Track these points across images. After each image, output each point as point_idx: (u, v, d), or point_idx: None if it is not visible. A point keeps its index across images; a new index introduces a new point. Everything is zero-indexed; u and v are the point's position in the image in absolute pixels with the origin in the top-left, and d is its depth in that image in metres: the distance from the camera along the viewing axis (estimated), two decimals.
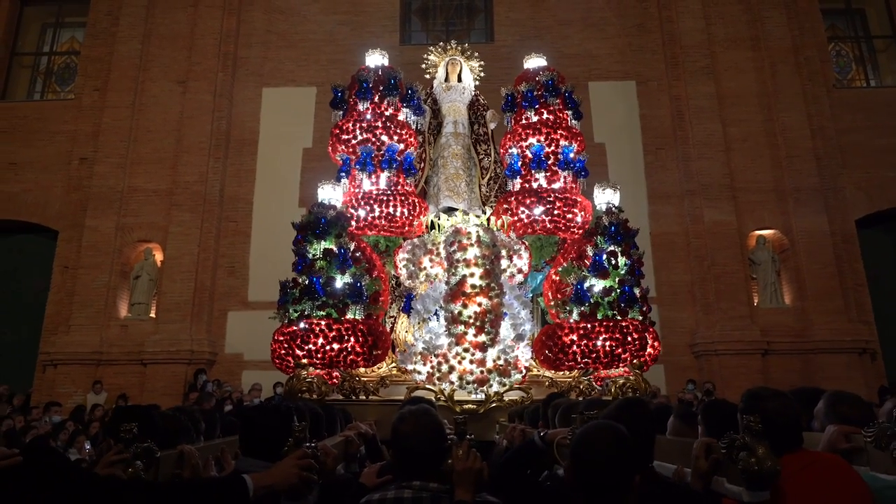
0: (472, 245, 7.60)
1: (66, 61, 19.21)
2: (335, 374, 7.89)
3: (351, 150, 9.11)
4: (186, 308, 16.01)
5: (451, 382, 7.41)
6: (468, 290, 7.43)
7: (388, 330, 8.72)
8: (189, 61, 17.57)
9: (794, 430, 2.83)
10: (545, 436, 3.44)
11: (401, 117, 9.34)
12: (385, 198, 8.71)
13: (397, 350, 8.37)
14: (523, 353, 7.68)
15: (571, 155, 9.10)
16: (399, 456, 2.78)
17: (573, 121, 9.53)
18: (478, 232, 7.73)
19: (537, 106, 9.34)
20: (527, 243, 8.62)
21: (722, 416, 3.27)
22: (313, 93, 17.84)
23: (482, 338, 7.36)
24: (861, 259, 16.21)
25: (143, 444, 2.59)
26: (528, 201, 8.83)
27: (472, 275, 7.47)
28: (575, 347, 7.56)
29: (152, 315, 16.21)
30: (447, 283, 7.67)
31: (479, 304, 7.40)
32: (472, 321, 7.35)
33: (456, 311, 7.40)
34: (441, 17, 19.35)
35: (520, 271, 8.34)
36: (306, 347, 7.40)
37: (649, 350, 7.83)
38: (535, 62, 10.21)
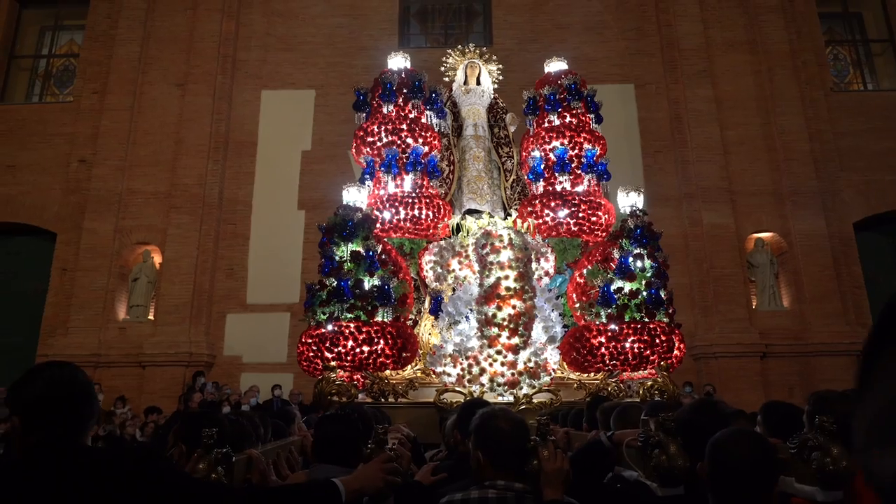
0: (504, 248, 7.61)
1: (64, 64, 19.09)
2: (356, 376, 7.90)
3: (376, 152, 9.13)
4: (185, 310, 15.94)
5: (482, 384, 7.42)
6: (503, 292, 7.44)
7: None
8: (188, 64, 17.50)
9: None
10: (612, 436, 3.47)
11: (424, 120, 9.38)
12: (410, 200, 8.74)
13: (421, 352, 8.37)
14: (552, 356, 7.71)
15: (594, 158, 9.18)
16: (490, 452, 2.76)
17: (594, 124, 9.61)
18: (509, 234, 7.75)
19: (560, 109, 9.41)
20: (552, 246, 8.67)
21: (782, 416, 3.33)
22: (312, 95, 17.88)
23: (515, 340, 7.37)
24: (859, 262, 16.37)
25: (223, 450, 2.61)
26: (552, 204, 8.90)
27: (506, 277, 7.48)
28: (603, 350, 7.61)
29: (151, 317, 16.15)
30: (480, 285, 7.68)
31: (514, 307, 7.41)
32: (506, 323, 7.36)
33: (490, 314, 7.41)
34: (440, 20, 19.40)
35: (546, 273, 8.39)
36: (335, 350, 7.40)
37: (676, 352, 7.90)
38: (556, 65, 10.25)
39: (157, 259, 16.46)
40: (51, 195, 16.84)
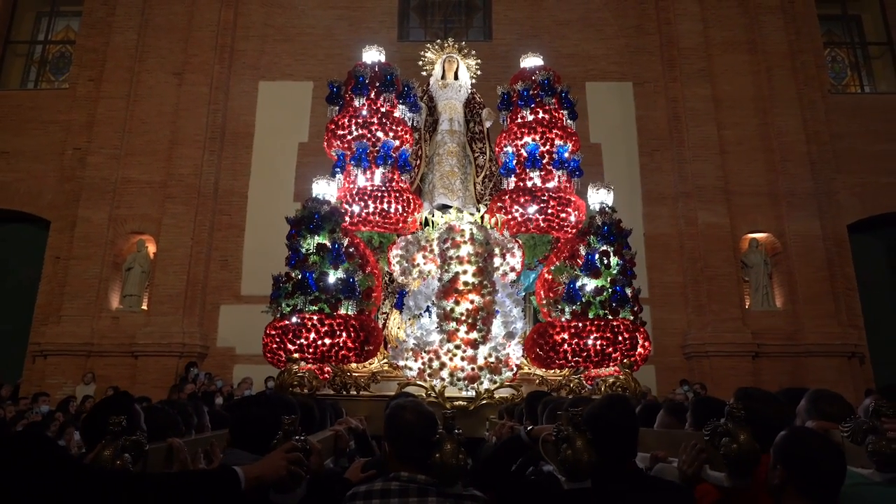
0: (465, 242, 7.62)
1: (60, 50, 19.11)
2: (326, 368, 7.90)
3: (346, 145, 9.11)
4: (179, 301, 15.97)
5: (442, 379, 7.42)
6: (461, 286, 7.45)
7: (381, 326, 8.73)
8: (185, 53, 17.51)
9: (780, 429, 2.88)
10: (531, 431, 3.46)
11: (396, 114, 9.35)
12: (379, 194, 8.71)
13: (389, 346, 8.37)
14: (514, 351, 7.70)
15: (566, 154, 9.14)
16: (396, 444, 2.81)
17: (568, 120, 9.56)
18: (471, 229, 7.75)
19: (533, 105, 9.36)
20: (520, 242, 8.63)
21: (711, 411, 3.34)
22: (310, 87, 17.86)
23: (473, 335, 7.37)
24: (852, 264, 16.34)
25: (132, 437, 2.56)
26: (522, 200, 8.85)
27: (464, 272, 7.49)
28: (566, 346, 7.59)
29: (144, 307, 16.17)
30: (440, 279, 7.69)
31: (472, 302, 7.42)
32: (463, 318, 7.36)
33: (448, 308, 7.41)
34: (439, 14, 19.37)
35: (513, 269, 8.35)
36: (298, 342, 7.41)
37: (640, 350, 7.86)
38: (531, 61, 10.21)
39: (152, 249, 16.50)
40: (45, 183, 16.89)
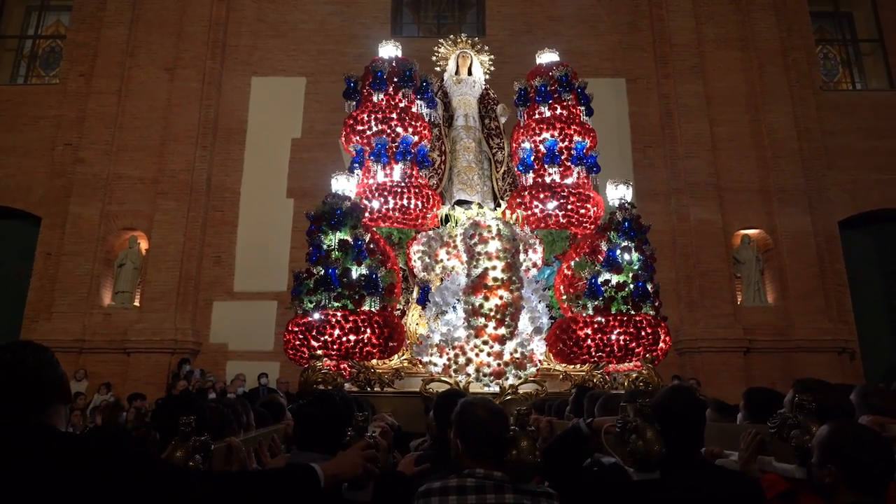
0: (493, 238, 7.62)
1: (50, 45, 18.87)
2: (343, 365, 7.88)
3: (365, 141, 9.08)
4: (171, 297, 15.86)
5: (468, 374, 7.44)
6: (490, 282, 7.46)
7: None
8: (177, 48, 17.36)
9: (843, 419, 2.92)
10: (591, 423, 3.48)
11: (414, 109, 9.33)
12: (399, 190, 8.68)
13: (408, 342, 8.35)
14: (538, 347, 7.72)
15: (584, 150, 9.17)
16: (469, 440, 2.79)
17: (585, 117, 9.61)
18: (498, 225, 7.76)
19: (551, 101, 9.40)
20: (540, 237, 8.67)
21: (767, 403, 3.37)
22: (303, 83, 17.81)
23: (502, 330, 7.39)
24: (843, 260, 16.51)
25: (202, 438, 2.58)
26: (541, 196, 8.89)
27: (493, 268, 7.49)
28: (590, 341, 7.63)
29: (136, 303, 16.05)
30: (467, 275, 7.69)
31: (501, 297, 7.42)
32: (492, 314, 7.38)
33: (477, 304, 7.43)
34: (433, 10, 19.34)
35: (534, 265, 8.40)
36: (322, 338, 7.36)
37: (661, 345, 7.92)
38: (547, 57, 10.22)
39: (144, 245, 16.37)
40: (36, 178, 16.69)
